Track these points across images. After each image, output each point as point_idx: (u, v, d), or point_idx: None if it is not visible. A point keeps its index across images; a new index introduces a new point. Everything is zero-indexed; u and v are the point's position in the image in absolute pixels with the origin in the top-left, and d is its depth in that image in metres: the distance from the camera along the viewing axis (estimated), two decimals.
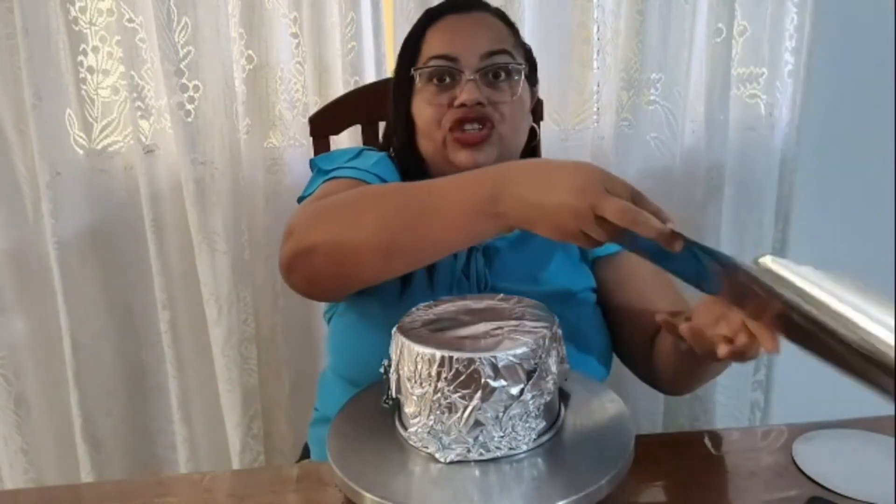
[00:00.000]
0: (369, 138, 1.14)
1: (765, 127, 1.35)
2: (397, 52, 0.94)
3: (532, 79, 0.93)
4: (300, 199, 0.91)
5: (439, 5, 0.91)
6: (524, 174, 0.61)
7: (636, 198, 0.58)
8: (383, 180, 0.85)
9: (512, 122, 0.86)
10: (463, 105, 0.83)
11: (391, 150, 0.96)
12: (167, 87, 1.15)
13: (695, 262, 0.57)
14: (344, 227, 0.69)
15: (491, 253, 0.87)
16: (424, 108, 0.86)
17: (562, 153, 1.31)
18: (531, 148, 0.97)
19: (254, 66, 1.22)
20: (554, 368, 0.60)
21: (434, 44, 0.87)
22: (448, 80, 0.85)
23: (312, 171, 0.93)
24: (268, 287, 1.33)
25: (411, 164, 0.91)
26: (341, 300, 0.84)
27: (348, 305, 0.87)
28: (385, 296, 0.81)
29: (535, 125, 0.96)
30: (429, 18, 0.89)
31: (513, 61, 0.87)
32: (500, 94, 0.85)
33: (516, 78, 0.87)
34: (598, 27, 1.28)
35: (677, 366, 0.78)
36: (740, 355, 0.61)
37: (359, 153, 0.91)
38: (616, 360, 0.93)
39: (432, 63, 0.85)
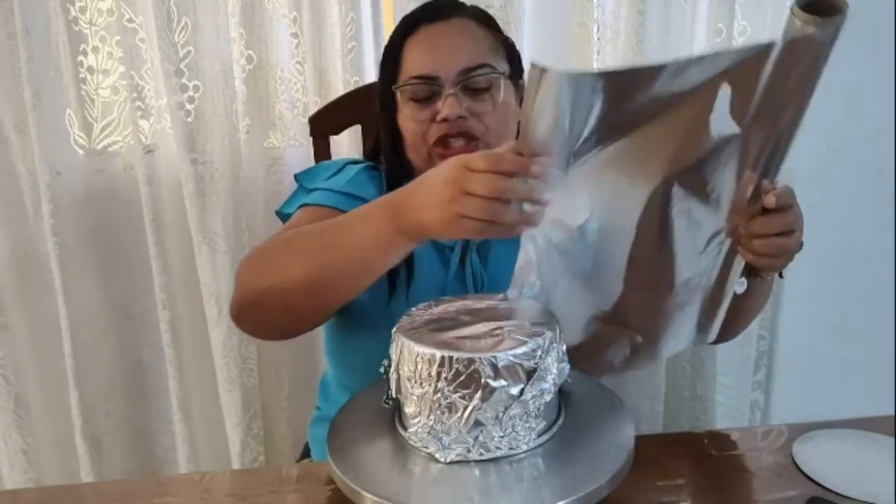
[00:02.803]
0: (369, 138, 1.14)
1: None
2: None
3: (517, 73, 0.91)
4: (279, 213, 0.92)
5: (415, 13, 0.90)
6: (413, 186, 0.64)
7: (500, 163, 0.58)
8: (358, 197, 0.86)
9: (497, 130, 0.86)
10: (445, 120, 0.83)
11: (381, 157, 0.95)
12: (167, 87, 1.15)
13: None
14: (270, 274, 0.73)
15: (483, 252, 0.88)
16: (408, 123, 0.87)
17: None
18: None
19: (254, 66, 1.22)
20: (554, 368, 0.60)
21: (412, 60, 0.86)
22: (427, 97, 0.85)
23: (296, 182, 0.94)
24: None
25: (400, 173, 0.91)
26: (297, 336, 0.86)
27: (340, 316, 0.87)
28: (374, 305, 0.82)
29: None
30: (406, 28, 0.88)
31: (492, 71, 0.85)
32: (482, 104, 0.85)
33: (496, 87, 0.86)
34: (598, 27, 1.27)
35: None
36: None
37: (340, 168, 0.91)
38: None
39: (412, 82, 0.85)
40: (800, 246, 0.69)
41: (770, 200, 0.64)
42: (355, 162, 0.94)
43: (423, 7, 0.90)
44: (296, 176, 0.94)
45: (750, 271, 0.72)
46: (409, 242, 0.66)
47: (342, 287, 0.71)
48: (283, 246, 0.74)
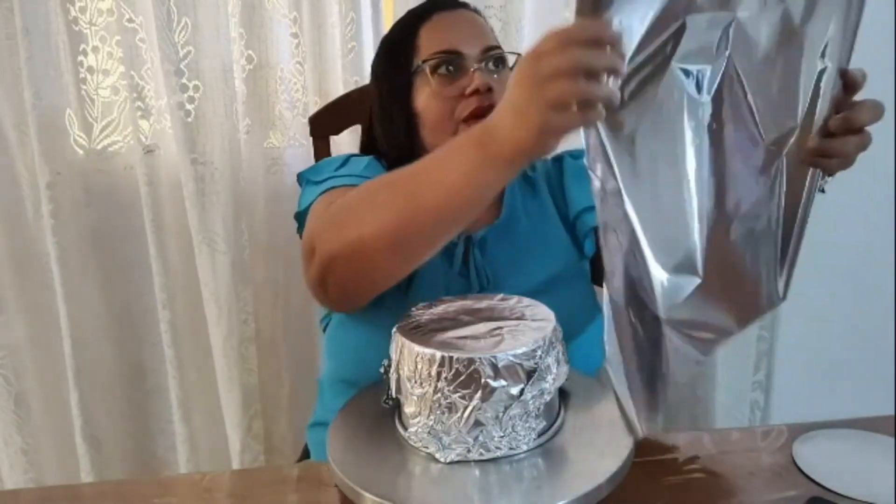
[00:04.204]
0: (365, 134, 1.14)
1: None
2: None
3: None
4: (297, 215, 0.91)
5: (425, 5, 0.92)
6: (501, 109, 0.58)
7: (571, 34, 0.52)
8: None
9: None
10: (476, 91, 0.84)
11: (379, 152, 0.96)
12: (167, 87, 1.15)
13: None
14: (351, 228, 0.68)
15: (484, 248, 0.88)
16: (433, 101, 0.87)
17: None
18: None
19: (254, 66, 1.22)
20: (554, 368, 0.60)
21: (432, 41, 0.88)
22: (455, 71, 0.86)
23: (301, 184, 0.93)
24: (268, 287, 1.33)
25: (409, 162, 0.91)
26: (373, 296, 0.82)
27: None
28: (385, 298, 0.81)
29: None
30: (417, 18, 0.90)
31: (505, 52, 0.90)
32: (500, 83, 0.87)
33: (510, 66, 0.90)
34: None
35: None
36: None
37: (346, 161, 0.91)
38: None
39: (439, 56, 0.87)
40: (870, 139, 0.68)
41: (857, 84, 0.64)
42: (357, 156, 0.94)
43: (435, 1, 0.93)
44: (300, 175, 0.93)
45: None
46: (503, 171, 0.59)
47: (430, 237, 0.66)
48: (358, 199, 0.69)
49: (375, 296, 0.79)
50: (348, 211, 0.70)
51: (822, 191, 0.74)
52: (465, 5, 0.93)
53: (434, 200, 0.62)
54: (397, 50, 0.90)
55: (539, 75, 0.52)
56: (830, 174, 0.71)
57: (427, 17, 0.90)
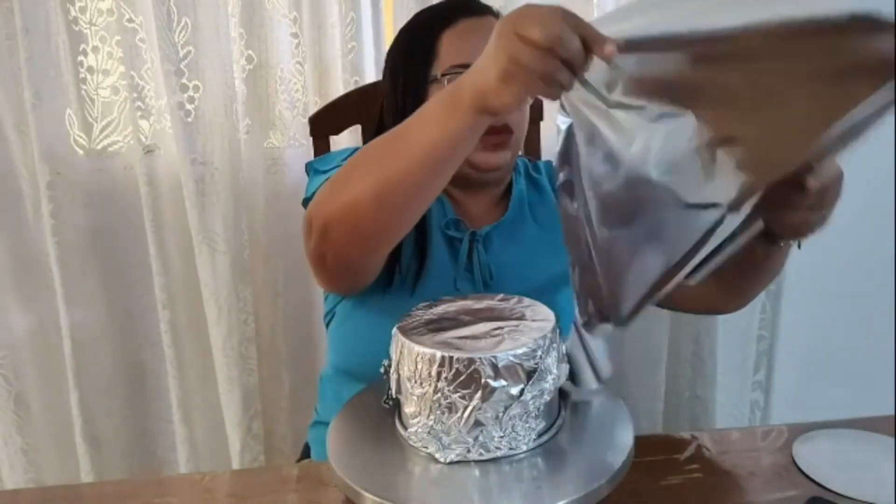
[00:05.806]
0: (369, 138, 1.14)
1: None
2: None
3: None
4: (304, 202, 0.91)
5: (451, 7, 0.90)
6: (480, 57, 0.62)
7: (567, 19, 0.55)
8: None
9: (524, 125, 0.90)
10: None
11: None
12: (167, 87, 1.15)
13: None
14: (343, 192, 0.70)
15: (487, 245, 0.89)
16: None
17: None
18: None
19: (254, 66, 1.22)
20: (554, 368, 0.60)
21: (454, 51, 0.86)
22: None
23: (308, 173, 0.93)
24: (268, 287, 1.33)
25: None
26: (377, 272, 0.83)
27: (355, 300, 0.88)
28: (392, 289, 0.83)
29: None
30: (442, 20, 0.88)
31: None
32: None
33: None
34: None
35: (733, 279, 0.78)
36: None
37: (353, 152, 0.91)
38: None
39: (459, 70, 0.84)
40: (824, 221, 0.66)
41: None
42: None
43: (462, 4, 0.90)
44: (308, 164, 0.93)
45: (769, 238, 0.69)
46: (467, 116, 0.62)
47: (412, 189, 0.68)
48: (348, 165, 0.72)
49: (371, 265, 0.80)
50: (339, 179, 0.73)
51: (799, 247, 0.73)
52: (490, 10, 0.90)
53: (413, 150, 0.65)
54: (417, 51, 0.89)
55: (516, 35, 0.56)
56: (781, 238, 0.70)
57: (452, 21, 0.87)
